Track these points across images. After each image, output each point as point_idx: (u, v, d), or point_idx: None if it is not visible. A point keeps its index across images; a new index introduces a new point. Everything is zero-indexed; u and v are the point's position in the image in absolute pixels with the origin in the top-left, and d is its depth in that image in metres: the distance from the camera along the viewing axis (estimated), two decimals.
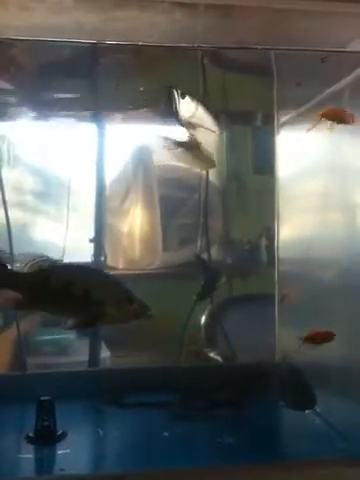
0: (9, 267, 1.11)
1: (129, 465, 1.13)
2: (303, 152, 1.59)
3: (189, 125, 1.35)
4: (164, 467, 1.06)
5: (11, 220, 1.77)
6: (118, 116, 1.89)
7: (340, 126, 1.33)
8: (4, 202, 1.73)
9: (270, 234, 1.89)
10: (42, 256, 1.08)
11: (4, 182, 1.77)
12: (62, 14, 0.97)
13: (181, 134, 1.55)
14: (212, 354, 1.95)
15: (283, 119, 1.67)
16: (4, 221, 1.77)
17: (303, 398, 1.36)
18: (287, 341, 1.61)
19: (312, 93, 1.42)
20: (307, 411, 1.36)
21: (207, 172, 1.67)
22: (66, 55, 1.16)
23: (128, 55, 1.18)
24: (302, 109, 1.55)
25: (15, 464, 1.16)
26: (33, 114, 1.79)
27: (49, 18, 0.98)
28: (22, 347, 1.69)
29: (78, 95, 1.64)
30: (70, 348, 2.00)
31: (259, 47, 1.11)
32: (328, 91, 1.36)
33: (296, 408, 1.36)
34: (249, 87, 1.59)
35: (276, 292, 1.75)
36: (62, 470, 1.12)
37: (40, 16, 0.97)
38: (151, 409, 1.41)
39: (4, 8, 0.93)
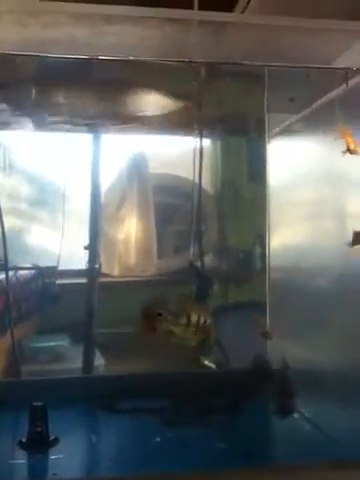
0: None
1: (121, 470, 1.15)
2: (296, 161, 1.61)
3: None
4: (155, 471, 1.08)
5: (6, 227, 1.78)
6: (113, 125, 1.91)
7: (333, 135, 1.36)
8: None
9: (264, 242, 1.91)
10: None
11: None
12: (56, 29, 1.00)
13: None
14: (206, 361, 1.96)
15: (276, 129, 1.70)
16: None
17: (282, 403, 1.38)
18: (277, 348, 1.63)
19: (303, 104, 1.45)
20: (284, 417, 1.39)
21: (200, 179, 1.69)
22: (62, 68, 1.19)
23: (123, 69, 1.21)
24: (294, 119, 1.59)
25: (8, 470, 1.17)
26: (29, 122, 1.81)
27: (43, 33, 1.01)
28: (16, 354, 1.70)
29: (74, 104, 1.66)
30: (64, 355, 2.01)
31: (248, 62, 1.14)
32: (319, 102, 1.40)
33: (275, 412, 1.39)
34: (243, 97, 1.62)
35: (267, 299, 1.77)
36: (55, 475, 1.13)
37: (34, 31, 1.00)
38: (144, 415, 1.42)
39: None
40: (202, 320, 1.25)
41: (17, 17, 0.94)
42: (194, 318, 1.25)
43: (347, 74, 1.15)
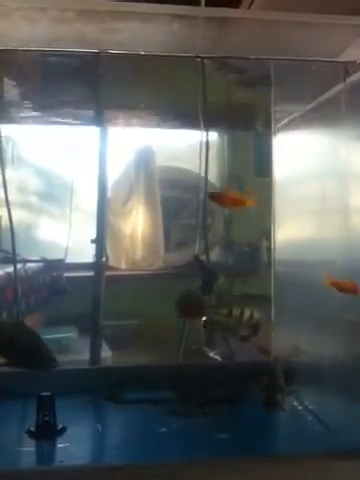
0: None
1: (126, 458, 1.17)
2: (302, 155, 1.62)
3: None
4: (159, 460, 1.10)
5: (14, 220, 1.79)
6: (121, 118, 1.92)
7: (337, 129, 1.37)
8: (7, 202, 1.75)
9: (269, 236, 1.92)
10: None
11: (8, 182, 1.79)
12: (65, 25, 1.01)
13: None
14: (211, 353, 1.98)
15: (282, 123, 1.71)
16: (8, 221, 1.79)
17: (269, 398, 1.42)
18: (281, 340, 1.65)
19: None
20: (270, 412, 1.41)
21: (206, 173, 1.70)
22: (70, 63, 1.20)
23: (131, 64, 1.22)
24: (300, 113, 1.59)
25: (17, 456, 1.20)
26: (37, 116, 1.83)
27: (52, 29, 1.03)
28: None
29: (82, 99, 1.68)
30: (71, 347, 2.03)
31: (253, 57, 1.15)
32: (323, 97, 1.40)
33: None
34: (249, 92, 1.63)
35: (272, 293, 1.78)
36: (61, 462, 1.16)
37: (43, 26, 1.01)
38: (149, 405, 1.44)
39: (8, 19, 0.97)
40: (248, 314, 1.38)
41: (26, 13, 0.95)
42: (237, 310, 1.38)
43: (348, 70, 1.15)
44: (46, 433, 1.27)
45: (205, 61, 1.18)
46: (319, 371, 1.43)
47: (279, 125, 1.70)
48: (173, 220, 2.38)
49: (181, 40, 1.10)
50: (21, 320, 1.36)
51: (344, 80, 1.18)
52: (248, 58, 1.16)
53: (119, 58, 1.19)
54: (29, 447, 1.23)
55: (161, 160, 2.33)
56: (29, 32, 1.04)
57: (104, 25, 1.02)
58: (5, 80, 1.39)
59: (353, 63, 1.16)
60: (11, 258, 1.75)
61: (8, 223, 1.76)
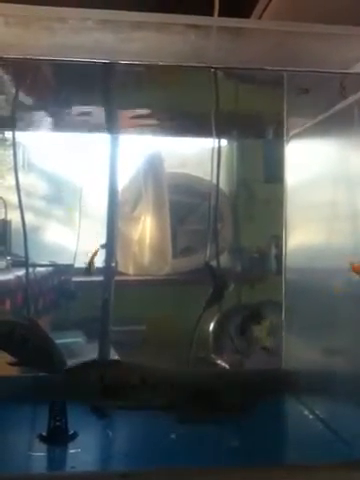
0: None
1: (135, 464, 1.17)
2: (314, 163, 1.62)
3: None
4: (167, 466, 1.10)
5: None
6: (131, 125, 1.94)
7: (347, 136, 1.38)
8: (21, 207, 1.76)
9: (279, 242, 1.92)
10: None
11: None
12: (83, 34, 1.03)
13: None
14: (220, 361, 1.98)
15: (295, 131, 1.71)
16: (18, 226, 1.80)
17: None
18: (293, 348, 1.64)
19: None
20: None
21: (218, 179, 1.71)
22: (83, 71, 1.22)
23: (144, 72, 1.24)
24: (312, 122, 1.60)
25: (29, 461, 1.21)
26: (48, 123, 1.85)
27: (70, 38, 1.04)
28: None
29: (92, 105, 1.69)
30: (79, 352, 2.04)
31: (269, 68, 1.16)
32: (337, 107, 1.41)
33: None
34: (261, 100, 1.64)
35: (283, 300, 1.78)
36: (73, 468, 1.16)
37: (62, 36, 1.03)
38: (158, 412, 1.44)
39: (27, 28, 0.99)
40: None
41: (45, 23, 0.97)
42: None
43: (344, 87, 1.15)
44: (58, 438, 1.27)
45: (218, 71, 1.19)
46: (330, 379, 1.42)
47: (292, 133, 1.71)
48: (181, 226, 2.38)
49: (195, 49, 1.11)
50: (35, 320, 1.36)
51: (343, 96, 1.18)
52: (262, 69, 1.17)
53: (131, 66, 1.20)
54: (41, 452, 1.23)
55: (170, 167, 2.34)
56: (47, 41, 1.05)
57: (121, 34, 1.03)
58: (18, 88, 1.40)
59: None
60: (22, 262, 1.76)
61: (16, 227, 1.78)
